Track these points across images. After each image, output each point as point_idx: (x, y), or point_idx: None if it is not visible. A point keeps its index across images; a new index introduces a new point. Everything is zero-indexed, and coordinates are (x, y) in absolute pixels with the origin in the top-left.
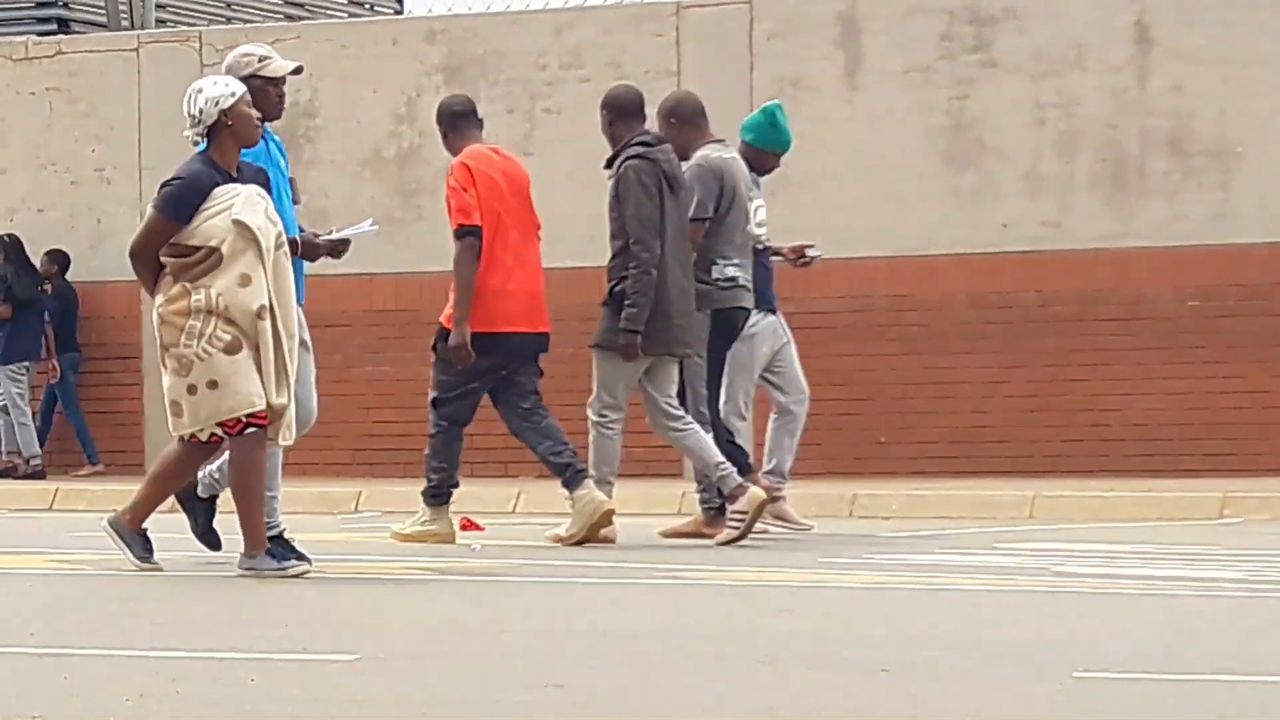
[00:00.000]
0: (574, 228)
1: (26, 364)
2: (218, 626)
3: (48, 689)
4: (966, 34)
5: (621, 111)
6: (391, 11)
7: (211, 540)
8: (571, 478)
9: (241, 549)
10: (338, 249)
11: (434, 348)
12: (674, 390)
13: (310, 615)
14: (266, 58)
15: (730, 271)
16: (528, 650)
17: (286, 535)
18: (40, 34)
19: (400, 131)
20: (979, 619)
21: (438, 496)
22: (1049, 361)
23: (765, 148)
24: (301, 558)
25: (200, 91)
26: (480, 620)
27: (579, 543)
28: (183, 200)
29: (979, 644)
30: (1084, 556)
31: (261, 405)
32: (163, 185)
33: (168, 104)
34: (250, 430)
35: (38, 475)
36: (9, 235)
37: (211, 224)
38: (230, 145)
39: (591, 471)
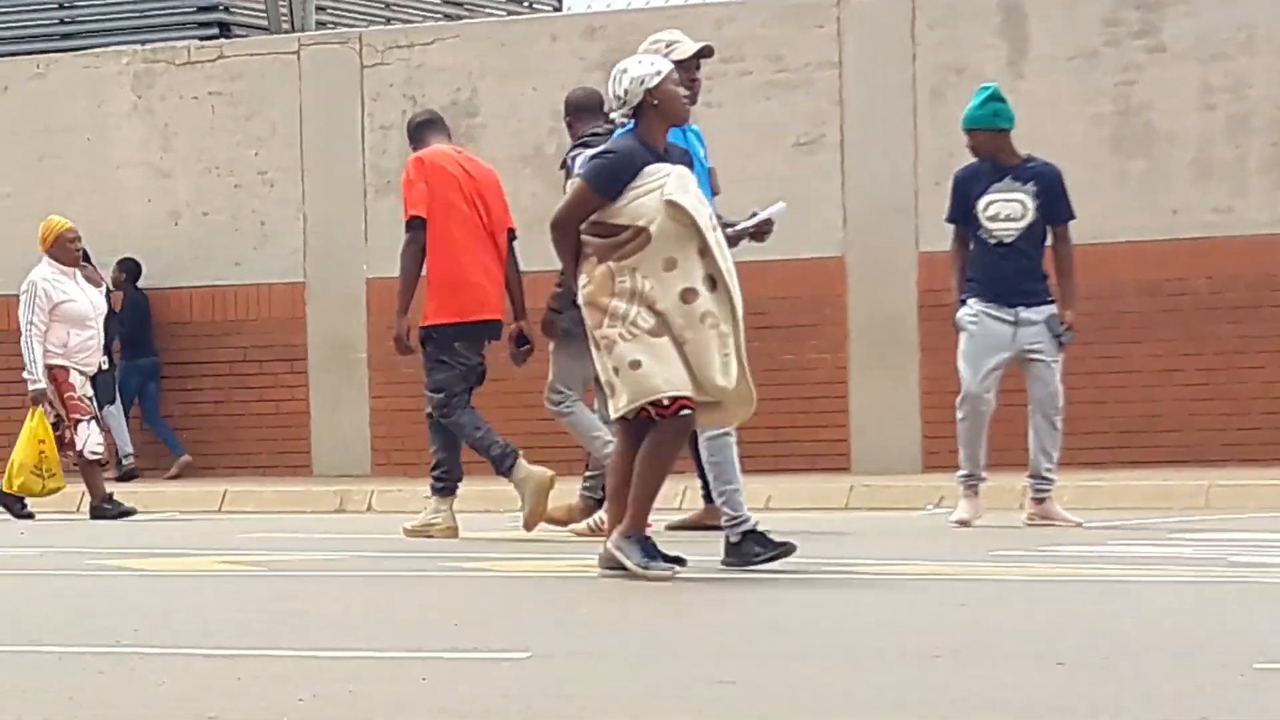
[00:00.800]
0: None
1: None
2: (389, 626)
3: (222, 689)
4: (1132, 19)
5: (578, 110)
6: (550, 8)
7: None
8: (509, 466)
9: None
10: (762, 230)
11: (422, 348)
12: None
13: (481, 613)
14: (675, 42)
15: None
16: (697, 646)
17: (760, 529)
18: (202, 39)
19: (560, 128)
20: (1155, 610)
21: (446, 488)
22: (1221, 349)
23: (1008, 126)
24: (781, 548)
25: (625, 71)
26: (649, 617)
27: (548, 521)
28: (614, 175)
29: (1155, 636)
30: (1261, 546)
31: (677, 392)
32: (592, 157)
33: (328, 106)
34: (684, 413)
35: (131, 475)
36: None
37: (641, 203)
38: (658, 125)
39: (588, 453)
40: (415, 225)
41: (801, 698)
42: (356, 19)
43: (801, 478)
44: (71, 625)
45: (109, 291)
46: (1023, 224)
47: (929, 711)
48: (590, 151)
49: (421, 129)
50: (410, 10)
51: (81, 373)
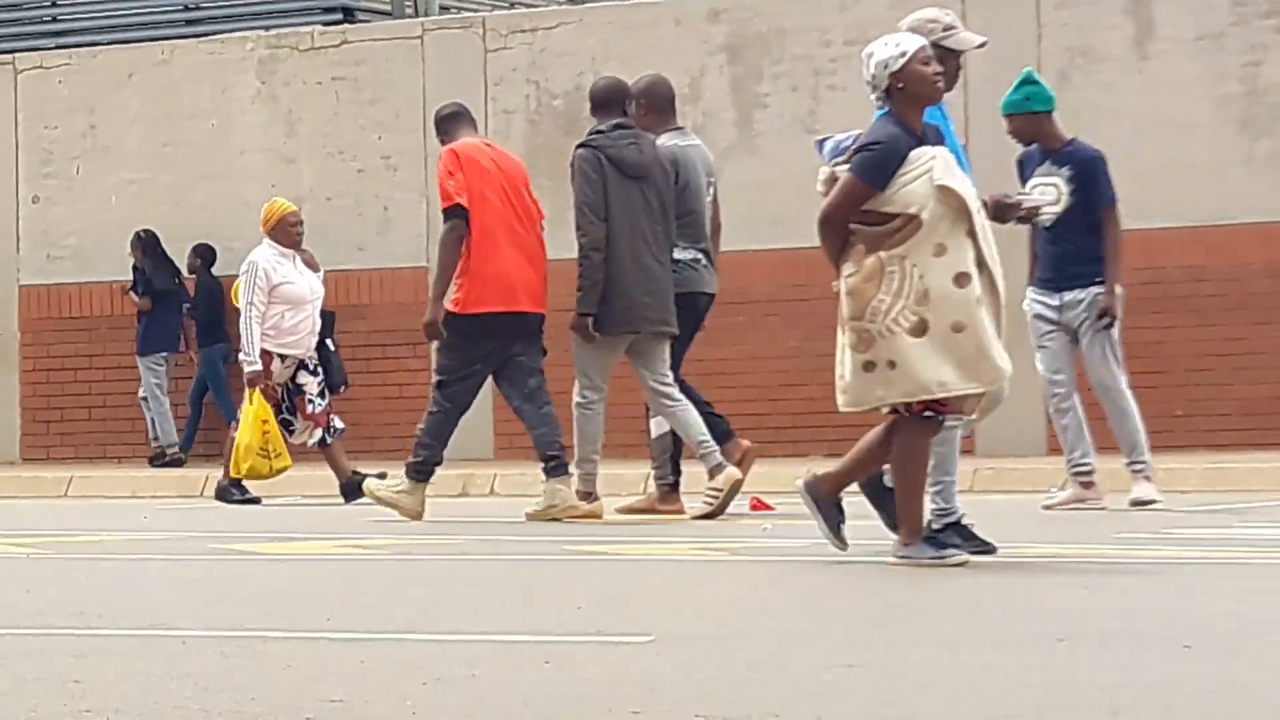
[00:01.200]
0: None
1: (164, 355)
2: (512, 610)
3: (345, 672)
4: None
5: (597, 103)
6: None
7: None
8: (553, 468)
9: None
10: (1031, 212)
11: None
12: (664, 366)
13: (604, 597)
14: (952, 27)
15: (689, 255)
16: (823, 630)
17: (965, 521)
18: (326, 24)
19: (683, 112)
20: None
21: (421, 472)
22: None
23: (1043, 108)
24: (983, 546)
25: (871, 55)
26: (774, 600)
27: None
28: (883, 165)
29: None
30: None
31: (941, 393)
32: (859, 149)
33: (452, 90)
34: (928, 415)
35: (176, 463)
36: (145, 231)
37: (910, 190)
38: (909, 107)
39: (575, 451)
40: (456, 214)
41: (927, 682)
42: (480, 3)
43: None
44: (196, 609)
45: (178, 278)
46: (1058, 207)
47: (1053, 696)
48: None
49: (449, 121)
50: None
51: (283, 357)
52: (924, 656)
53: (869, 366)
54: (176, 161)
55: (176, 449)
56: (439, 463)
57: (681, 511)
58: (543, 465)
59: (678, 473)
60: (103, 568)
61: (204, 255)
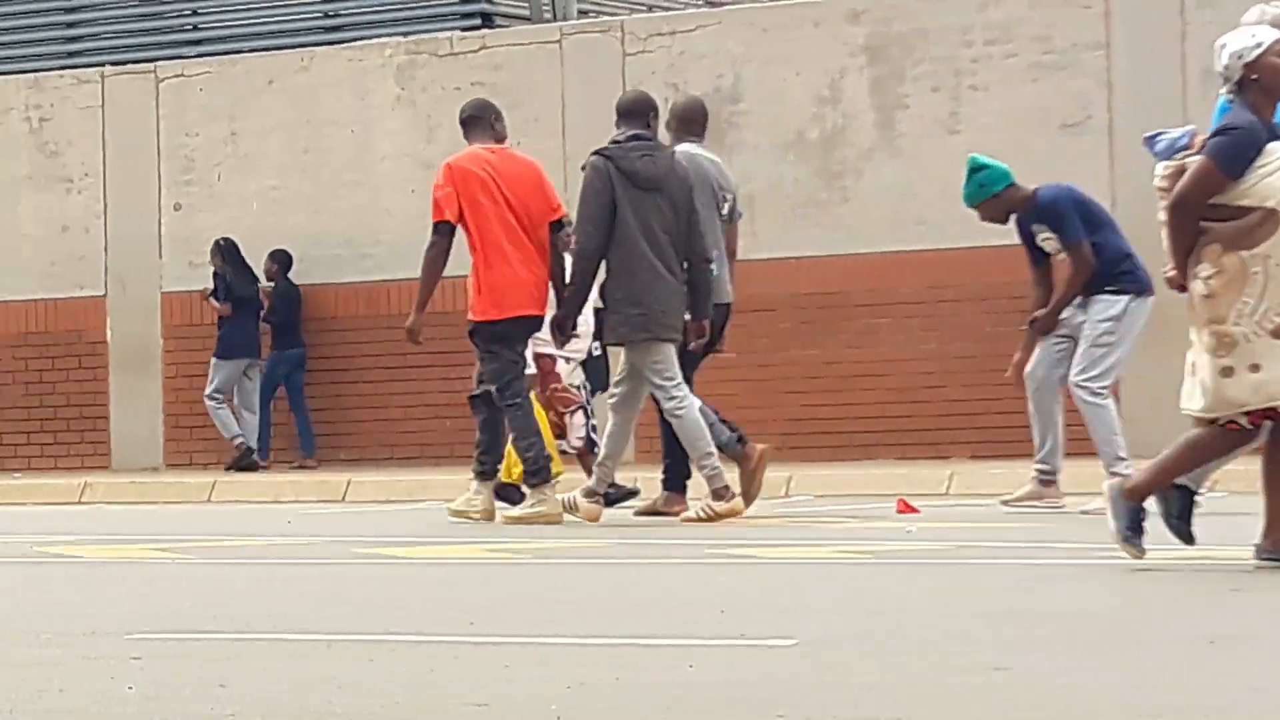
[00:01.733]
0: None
1: (244, 360)
2: (654, 612)
3: (489, 677)
4: None
5: (621, 113)
6: None
7: (1184, 532)
8: (536, 482)
9: (1260, 538)
10: None
11: (471, 339)
12: (673, 374)
13: (746, 600)
14: None
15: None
16: (968, 632)
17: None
18: (465, 29)
19: (823, 114)
20: None
21: (537, 474)
22: None
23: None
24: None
25: (1224, 46)
26: (918, 602)
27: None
28: (1241, 153)
29: None
30: None
31: None
32: (1215, 133)
33: (591, 95)
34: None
35: (250, 467)
36: (225, 239)
37: (1269, 183)
38: (1262, 99)
39: (692, 455)
40: (440, 229)
41: (1073, 686)
42: (618, 7)
43: (1067, 461)
44: (340, 613)
45: (275, 284)
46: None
47: (1203, 698)
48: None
49: (466, 124)
50: None
51: (568, 360)
52: (1072, 660)
53: (1228, 371)
54: (316, 168)
55: (243, 441)
56: (549, 458)
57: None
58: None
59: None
60: (246, 572)
61: (281, 261)
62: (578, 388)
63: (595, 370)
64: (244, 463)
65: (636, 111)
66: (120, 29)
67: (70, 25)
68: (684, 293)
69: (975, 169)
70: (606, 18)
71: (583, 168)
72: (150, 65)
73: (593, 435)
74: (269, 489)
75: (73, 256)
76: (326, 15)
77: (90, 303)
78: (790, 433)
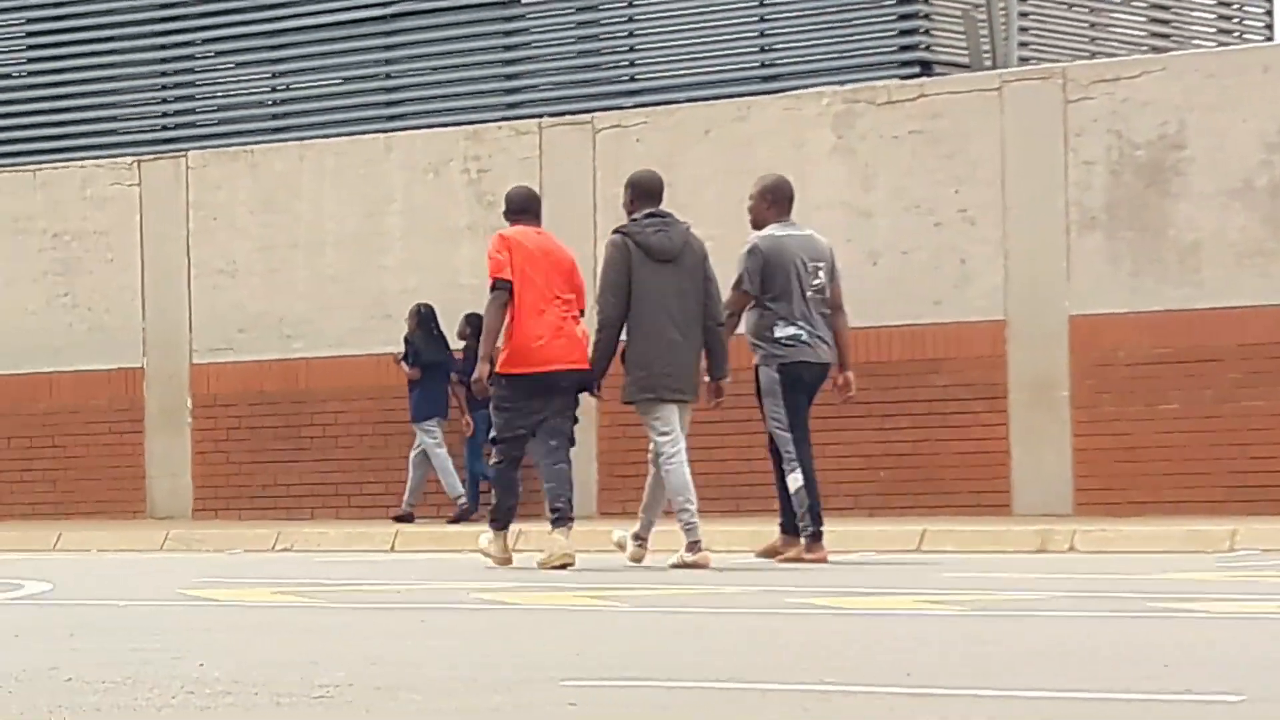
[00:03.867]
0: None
1: (436, 420)
2: (1097, 666)
3: None
4: None
5: (637, 192)
6: (1262, 38)
7: None
8: (557, 520)
9: None
10: None
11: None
12: (669, 429)
13: (1191, 655)
14: None
15: (790, 331)
16: None
17: None
18: (903, 78)
19: (1272, 161)
20: None
21: (563, 520)
22: None
23: None
24: None
25: None
26: None
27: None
28: None
29: None
30: None
31: None
32: None
33: (1031, 143)
34: None
35: (462, 517)
36: (425, 306)
37: None
38: None
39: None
40: (498, 286)
41: None
42: (1060, 53)
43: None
44: (772, 661)
45: (467, 344)
46: None
47: None
48: None
49: (513, 207)
50: (1115, 43)
51: None
52: None
53: None
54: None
55: (464, 500)
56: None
57: (824, 559)
58: (551, 520)
59: (819, 521)
60: (676, 621)
61: (474, 324)
62: None
63: None
64: (461, 517)
65: (653, 191)
66: (559, 80)
67: (509, 77)
68: (698, 354)
69: None
70: (1048, 65)
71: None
72: (588, 116)
73: None
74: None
75: None
76: (763, 65)
77: None
78: (1235, 485)
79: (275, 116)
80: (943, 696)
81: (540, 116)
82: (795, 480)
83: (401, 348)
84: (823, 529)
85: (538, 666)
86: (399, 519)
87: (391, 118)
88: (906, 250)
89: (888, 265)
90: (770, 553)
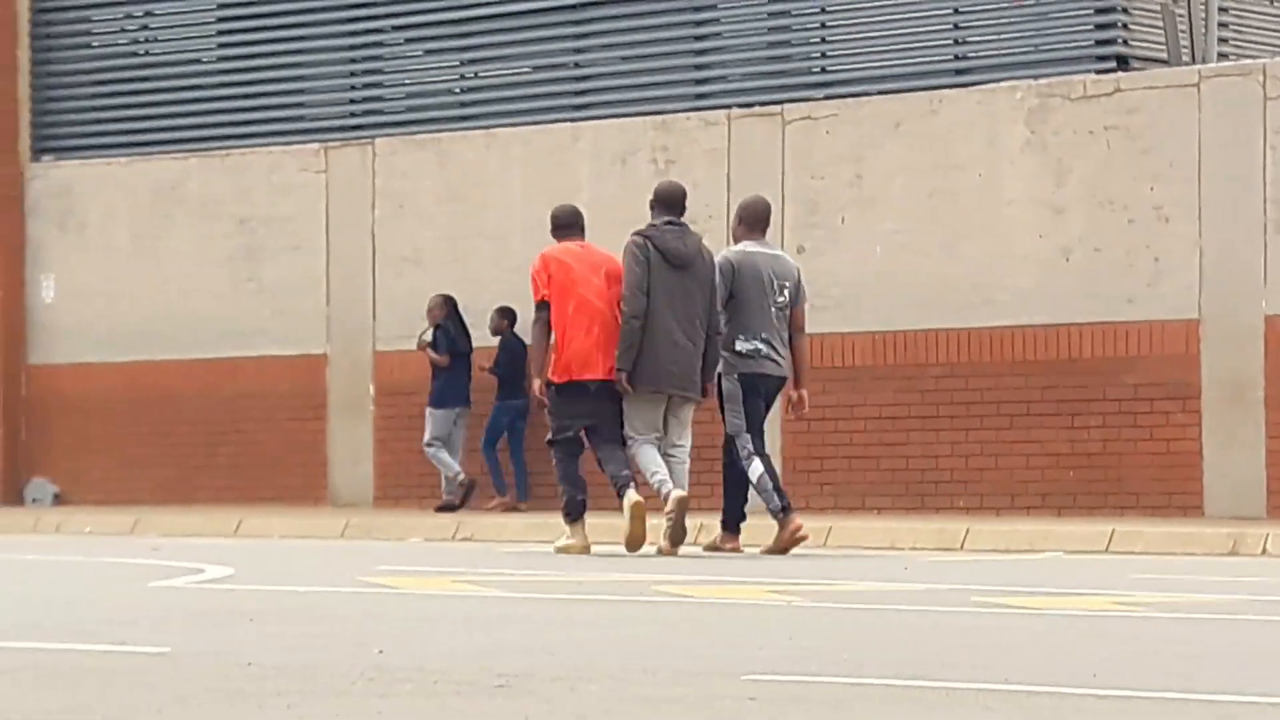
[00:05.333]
0: None
1: (457, 409)
2: (1266, 667)
3: None
4: None
5: (656, 202)
6: None
7: None
8: (573, 518)
9: None
10: None
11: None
12: (682, 427)
13: None
14: None
15: (751, 345)
16: None
17: None
18: (1099, 72)
19: None
20: None
21: (569, 515)
22: None
23: None
24: None
25: None
26: None
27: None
28: None
29: None
30: None
31: None
32: None
33: (1229, 140)
34: None
35: (449, 508)
36: (448, 296)
37: None
38: None
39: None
40: (540, 307)
41: None
42: (1260, 49)
43: None
44: (957, 660)
45: (502, 337)
46: None
47: None
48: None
49: (558, 223)
50: None
51: None
52: None
53: None
54: (941, 212)
55: (465, 479)
56: (583, 503)
57: (799, 529)
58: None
59: (785, 498)
60: (859, 617)
61: (509, 316)
62: None
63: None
64: (466, 498)
65: (674, 201)
66: (748, 70)
67: (699, 67)
68: (699, 359)
69: None
70: (1247, 60)
71: (626, 247)
72: (777, 107)
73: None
74: (885, 535)
75: None
76: (956, 58)
77: None
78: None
79: (463, 105)
80: (1130, 698)
81: (729, 107)
82: (755, 469)
83: (430, 335)
84: (789, 504)
85: (717, 659)
86: (507, 509)
87: (579, 107)
88: (1099, 247)
89: (1080, 262)
90: (713, 548)
